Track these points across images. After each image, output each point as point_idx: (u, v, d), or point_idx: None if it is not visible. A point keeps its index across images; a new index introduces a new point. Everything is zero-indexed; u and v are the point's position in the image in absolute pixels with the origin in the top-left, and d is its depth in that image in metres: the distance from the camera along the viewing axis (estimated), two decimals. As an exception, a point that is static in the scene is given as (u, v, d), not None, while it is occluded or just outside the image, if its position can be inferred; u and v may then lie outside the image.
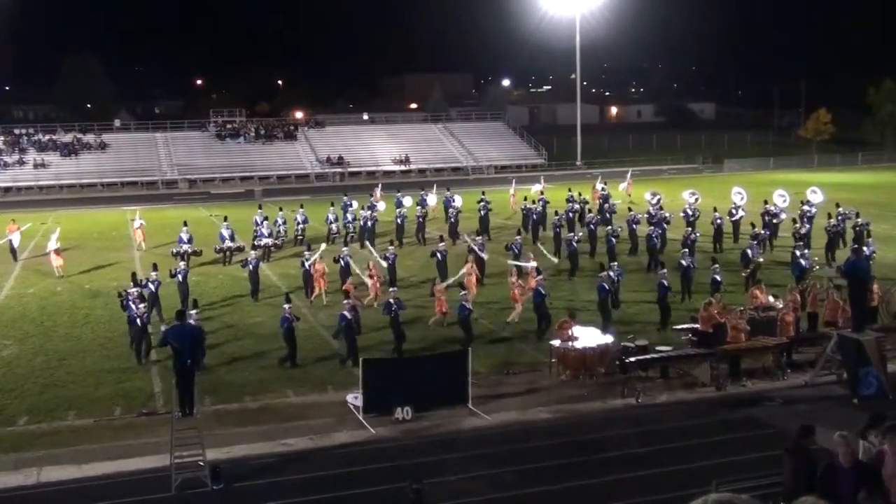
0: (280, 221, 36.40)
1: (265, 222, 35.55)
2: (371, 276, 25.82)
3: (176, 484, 14.16)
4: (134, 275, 24.18)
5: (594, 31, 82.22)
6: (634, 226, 33.22)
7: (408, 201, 41.79)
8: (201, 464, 14.49)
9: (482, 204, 37.94)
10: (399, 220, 36.78)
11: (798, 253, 26.79)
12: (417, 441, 16.14)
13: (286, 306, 20.48)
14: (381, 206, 41.20)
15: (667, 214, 34.90)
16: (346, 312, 20.70)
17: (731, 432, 16.15)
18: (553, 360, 19.65)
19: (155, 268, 25.27)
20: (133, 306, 21.42)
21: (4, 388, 19.48)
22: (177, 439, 14.65)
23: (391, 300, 21.23)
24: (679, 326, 21.37)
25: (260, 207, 39.32)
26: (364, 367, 17.32)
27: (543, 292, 22.54)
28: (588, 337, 19.68)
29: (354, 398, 17.49)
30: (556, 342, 19.60)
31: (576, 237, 30.52)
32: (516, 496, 13.85)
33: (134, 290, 22.17)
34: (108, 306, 27.14)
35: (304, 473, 14.86)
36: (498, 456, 15.30)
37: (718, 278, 24.21)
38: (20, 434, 16.83)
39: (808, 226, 32.49)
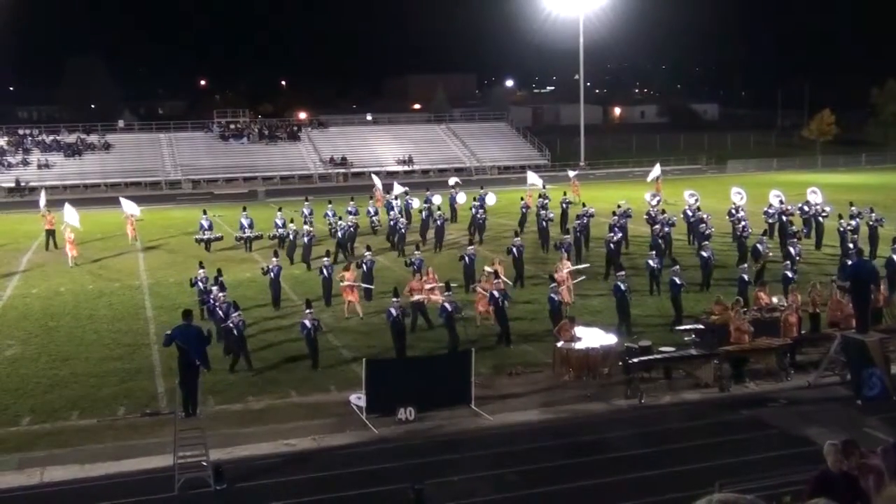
0: (330, 214, 36.55)
1: (280, 218, 35.81)
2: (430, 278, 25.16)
3: (179, 484, 14.16)
4: (217, 277, 23.89)
5: (598, 32, 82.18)
6: (668, 228, 32.66)
7: (437, 200, 41.75)
8: (204, 464, 14.49)
9: (561, 200, 39.05)
10: (436, 221, 35.93)
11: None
12: (420, 441, 16.13)
13: (394, 299, 20.85)
14: (396, 203, 41.22)
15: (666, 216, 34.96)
16: (445, 304, 21.09)
17: (734, 433, 16.12)
18: (556, 361, 19.63)
19: (201, 265, 25.16)
20: (220, 312, 21.05)
21: (8, 388, 19.50)
22: (180, 439, 14.65)
23: (495, 292, 21.74)
24: (682, 327, 21.38)
25: (307, 199, 40.50)
26: (367, 367, 17.30)
27: (623, 288, 22.59)
28: (591, 338, 19.65)
29: (357, 398, 17.48)
30: (559, 343, 19.59)
31: (615, 237, 30.50)
32: (519, 497, 13.83)
33: (221, 294, 21.71)
34: (112, 306, 27.22)
35: (307, 474, 14.86)
36: (501, 457, 15.28)
37: (791, 275, 24.16)
38: (23, 434, 16.84)
39: (853, 223, 32.33)
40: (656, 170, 51.04)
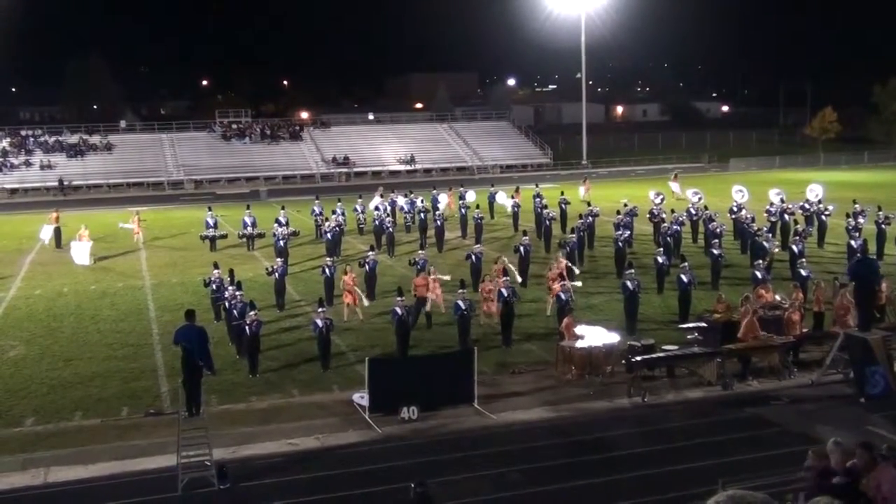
0: (339, 211, 36.64)
1: (283, 216, 35.79)
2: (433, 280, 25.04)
3: (182, 484, 14.18)
4: (231, 272, 23.99)
5: (599, 30, 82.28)
6: (678, 226, 32.46)
7: (443, 199, 41.63)
8: (208, 464, 14.50)
9: (562, 198, 39.22)
10: (436, 221, 35.96)
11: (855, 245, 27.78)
12: (423, 440, 16.13)
13: (399, 298, 20.73)
14: (400, 200, 41.26)
15: (664, 214, 35.07)
16: (459, 302, 21.00)
17: (737, 431, 16.11)
18: (559, 360, 19.62)
19: (216, 266, 25.01)
20: (235, 312, 20.92)
21: (11, 388, 19.53)
22: (183, 439, 14.66)
23: (503, 290, 21.79)
24: (684, 325, 21.37)
25: (317, 198, 41.02)
26: (370, 366, 17.31)
27: (631, 287, 22.54)
28: (594, 336, 19.65)
29: (360, 398, 17.50)
30: (563, 341, 19.59)
31: (623, 235, 30.47)
32: (522, 495, 13.84)
33: (238, 293, 21.49)
34: (115, 306, 27.24)
35: (311, 473, 14.87)
36: (504, 455, 15.29)
37: (804, 273, 24.15)
38: (27, 435, 16.86)
39: (860, 221, 32.10)
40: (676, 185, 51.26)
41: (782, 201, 36.55)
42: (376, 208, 38.89)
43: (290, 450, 15.86)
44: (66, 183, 64.46)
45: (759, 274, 23.76)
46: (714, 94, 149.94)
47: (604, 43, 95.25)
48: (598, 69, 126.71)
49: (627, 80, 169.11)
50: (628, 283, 22.61)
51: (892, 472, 9.67)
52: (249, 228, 36.22)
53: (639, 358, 18.43)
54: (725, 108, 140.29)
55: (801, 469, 10.71)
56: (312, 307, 22.57)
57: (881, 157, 76.46)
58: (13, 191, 64.25)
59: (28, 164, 67.34)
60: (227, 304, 21.88)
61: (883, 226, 31.29)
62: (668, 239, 31.22)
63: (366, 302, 24.75)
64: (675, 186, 50.65)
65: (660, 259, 26.77)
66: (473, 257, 27.39)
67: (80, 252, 34.56)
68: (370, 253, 27.49)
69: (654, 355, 18.80)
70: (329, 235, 33.58)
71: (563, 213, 38.19)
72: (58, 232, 38.55)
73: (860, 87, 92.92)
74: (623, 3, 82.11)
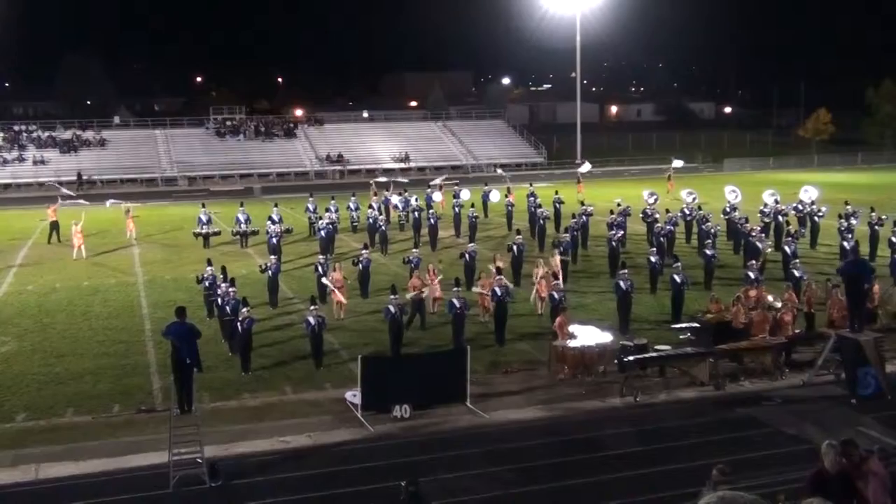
0: (332, 209, 36.66)
1: (277, 214, 35.93)
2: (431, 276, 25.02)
3: (174, 481, 14.16)
4: (224, 269, 24.05)
5: (594, 30, 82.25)
6: (671, 226, 32.54)
7: (437, 196, 41.48)
8: (199, 461, 14.48)
9: (556, 198, 39.27)
10: (430, 220, 35.88)
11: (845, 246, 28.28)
12: (415, 439, 16.13)
13: (393, 297, 20.78)
14: (394, 198, 41.27)
15: (656, 215, 35.15)
16: (453, 300, 20.97)
17: (729, 431, 16.13)
18: (552, 359, 19.63)
19: (209, 263, 24.75)
20: (228, 309, 20.89)
21: (2, 384, 19.44)
22: (175, 436, 14.62)
23: (496, 288, 21.79)
24: (677, 325, 21.40)
25: (311, 196, 40.90)
26: (363, 364, 17.29)
27: (624, 287, 22.55)
28: (587, 336, 19.67)
29: (353, 396, 17.49)
30: (556, 341, 19.60)
31: (616, 235, 30.48)
32: (514, 494, 13.85)
33: (231, 290, 21.43)
34: (107, 303, 27.16)
35: (303, 471, 14.85)
36: (496, 454, 15.29)
37: (797, 274, 24.43)
38: (18, 431, 16.81)
39: (854, 222, 32.18)
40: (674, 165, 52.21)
41: (776, 202, 36.63)
42: (370, 206, 38.86)
43: (282, 447, 15.85)
44: (84, 177, 64.11)
45: (751, 274, 23.82)
46: (708, 95, 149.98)
47: (599, 43, 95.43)
48: (592, 69, 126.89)
49: (622, 79, 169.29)
50: (621, 283, 22.64)
51: (878, 462, 9.77)
52: (243, 225, 36.26)
53: (631, 358, 18.46)
54: (720, 109, 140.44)
55: (789, 469, 10.74)
56: (305, 305, 22.54)
57: (874, 159, 76.74)
58: (6, 186, 64.05)
59: (21, 159, 67.10)
60: (219, 300, 21.85)
61: (876, 227, 31.38)
62: (662, 239, 31.28)
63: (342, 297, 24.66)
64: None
65: (653, 259, 26.82)
66: (467, 256, 27.37)
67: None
68: (364, 251, 27.45)
69: (646, 355, 18.83)
70: (323, 233, 33.59)
71: (558, 213, 38.23)
72: (54, 226, 38.30)
73: (854, 89, 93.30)
74: (618, 3, 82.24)
